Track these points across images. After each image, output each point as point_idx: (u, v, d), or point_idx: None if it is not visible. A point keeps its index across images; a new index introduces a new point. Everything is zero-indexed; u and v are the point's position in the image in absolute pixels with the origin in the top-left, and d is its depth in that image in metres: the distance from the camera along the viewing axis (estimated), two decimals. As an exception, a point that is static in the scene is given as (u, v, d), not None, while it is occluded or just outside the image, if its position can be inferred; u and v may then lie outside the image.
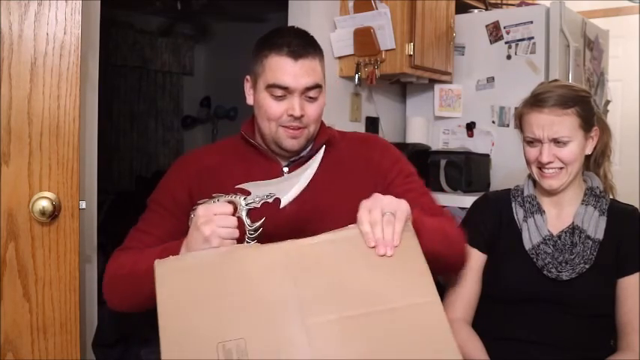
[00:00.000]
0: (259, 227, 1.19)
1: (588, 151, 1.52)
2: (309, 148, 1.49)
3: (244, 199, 1.20)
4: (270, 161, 1.48)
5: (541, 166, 1.50)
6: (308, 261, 1.08)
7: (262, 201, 1.21)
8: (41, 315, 1.22)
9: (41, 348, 1.22)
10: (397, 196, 1.41)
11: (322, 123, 1.53)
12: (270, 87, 1.40)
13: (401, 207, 1.13)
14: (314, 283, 1.06)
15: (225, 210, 1.18)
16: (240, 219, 1.19)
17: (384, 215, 1.10)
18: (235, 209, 1.19)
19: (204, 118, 5.39)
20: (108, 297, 1.39)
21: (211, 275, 1.08)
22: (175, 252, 1.23)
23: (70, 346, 1.25)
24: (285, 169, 1.48)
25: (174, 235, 1.38)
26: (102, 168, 1.76)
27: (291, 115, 1.39)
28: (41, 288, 1.22)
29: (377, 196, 1.15)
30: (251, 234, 1.18)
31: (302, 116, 1.40)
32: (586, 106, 1.49)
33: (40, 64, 1.20)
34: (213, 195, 1.23)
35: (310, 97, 1.41)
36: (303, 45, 1.40)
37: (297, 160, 1.48)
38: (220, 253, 1.11)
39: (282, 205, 1.22)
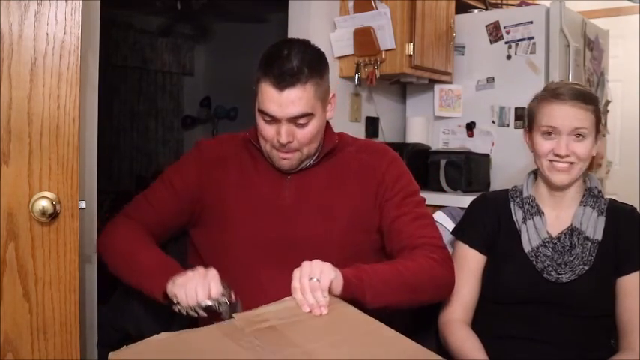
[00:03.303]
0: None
1: (594, 153, 1.52)
2: (314, 157, 1.50)
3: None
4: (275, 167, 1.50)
5: (554, 159, 1.48)
6: (261, 324, 1.15)
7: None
8: (41, 315, 1.22)
9: (41, 348, 1.22)
10: (389, 222, 1.48)
11: (329, 130, 1.53)
12: (259, 112, 1.42)
13: (324, 272, 1.23)
14: (273, 336, 1.11)
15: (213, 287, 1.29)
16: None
17: (311, 280, 1.21)
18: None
19: (204, 118, 5.40)
20: (103, 256, 1.53)
21: (174, 356, 1.07)
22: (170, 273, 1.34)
23: (70, 346, 1.25)
24: (288, 176, 1.50)
25: (172, 213, 1.52)
26: (102, 168, 1.76)
27: (279, 142, 1.40)
28: (41, 288, 1.22)
29: (305, 265, 1.24)
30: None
31: (290, 142, 1.41)
32: (598, 109, 1.51)
33: (40, 64, 1.20)
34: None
35: (299, 124, 1.40)
36: (293, 72, 1.35)
37: (301, 170, 1.50)
38: (175, 335, 1.11)
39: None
